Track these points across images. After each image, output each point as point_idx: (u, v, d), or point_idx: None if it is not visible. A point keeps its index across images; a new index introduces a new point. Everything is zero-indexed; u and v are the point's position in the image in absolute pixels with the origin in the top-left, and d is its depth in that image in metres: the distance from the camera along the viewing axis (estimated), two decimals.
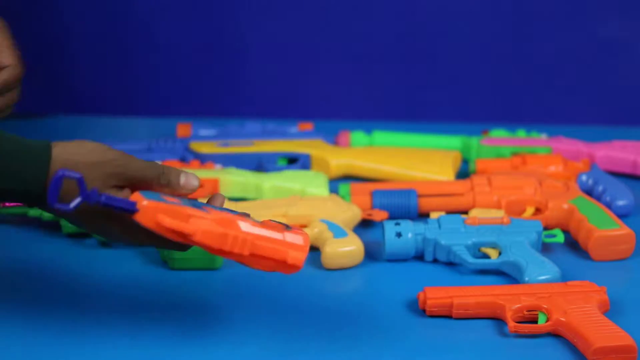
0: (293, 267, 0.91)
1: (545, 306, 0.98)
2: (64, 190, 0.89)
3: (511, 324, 0.97)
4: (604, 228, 1.16)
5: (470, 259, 1.11)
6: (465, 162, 1.47)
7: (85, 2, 1.77)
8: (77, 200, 0.87)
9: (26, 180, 0.89)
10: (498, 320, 1.00)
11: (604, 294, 1.01)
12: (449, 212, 1.20)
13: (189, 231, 0.88)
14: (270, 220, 0.95)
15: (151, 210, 0.87)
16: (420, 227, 1.14)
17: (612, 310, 1.01)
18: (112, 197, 0.87)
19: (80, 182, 0.86)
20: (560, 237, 1.17)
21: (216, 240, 0.89)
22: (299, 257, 0.91)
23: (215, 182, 1.28)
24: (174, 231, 0.88)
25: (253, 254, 0.90)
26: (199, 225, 0.88)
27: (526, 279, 1.07)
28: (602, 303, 1.00)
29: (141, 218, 0.87)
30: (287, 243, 0.91)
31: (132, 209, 0.87)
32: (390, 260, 1.14)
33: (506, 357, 0.95)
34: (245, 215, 0.93)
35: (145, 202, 0.87)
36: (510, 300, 0.99)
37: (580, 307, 0.98)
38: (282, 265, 0.91)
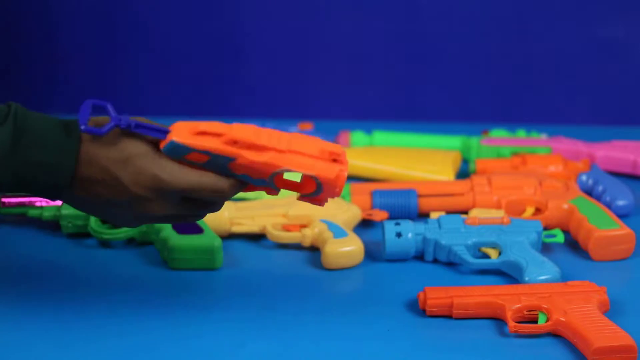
0: (329, 179, 0.92)
1: (545, 306, 0.98)
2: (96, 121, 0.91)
3: (511, 324, 0.97)
4: (604, 228, 1.16)
5: (470, 259, 1.11)
6: (465, 162, 1.47)
7: (86, 3, 1.77)
8: (110, 125, 0.89)
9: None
10: (498, 320, 1.00)
11: (604, 294, 1.01)
12: (449, 212, 1.20)
13: (223, 129, 0.90)
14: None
15: (183, 126, 0.90)
16: (420, 227, 1.14)
17: (612, 310, 1.01)
18: (143, 123, 0.90)
19: (110, 108, 0.90)
20: (560, 237, 1.17)
21: (251, 133, 0.90)
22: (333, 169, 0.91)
23: None
24: (208, 135, 0.90)
25: (291, 149, 0.91)
26: (233, 126, 0.91)
27: (526, 279, 1.07)
28: (602, 303, 1.00)
29: (176, 134, 0.89)
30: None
31: (165, 129, 0.90)
32: (390, 260, 1.14)
33: (506, 357, 0.95)
34: None
35: (177, 123, 0.90)
36: (510, 300, 0.99)
37: (580, 307, 0.98)
38: (321, 171, 0.91)
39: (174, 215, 0.94)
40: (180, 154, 0.91)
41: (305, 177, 0.94)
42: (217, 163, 0.91)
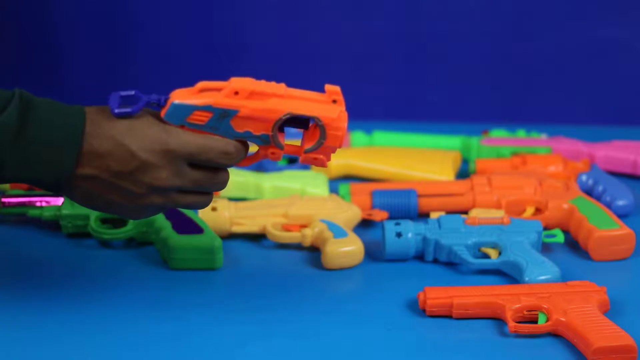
0: (331, 119, 0.93)
1: (545, 306, 0.98)
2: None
3: (511, 324, 0.97)
4: (604, 228, 1.16)
5: (470, 259, 1.11)
6: (465, 162, 1.47)
7: (85, 2, 1.77)
8: (140, 104, 0.92)
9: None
10: (498, 320, 1.00)
11: (604, 294, 1.01)
12: (449, 212, 1.20)
13: (222, 84, 0.93)
14: None
15: (182, 90, 0.93)
16: (420, 227, 1.14)
17: (612, 310, 1.01)
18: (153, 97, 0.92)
19: (138, 95, 0.92)
20: (560, 237, 1.17)
21: (249, 83, 0.93)
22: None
23: None
24: (208, 90, 0.92)
25: (290, 95, 0.94)
26: (232, 79, 0.93)
27: (526, 279, 1.07)
28: (602, 303, 1.00)
29: (176, 97, 0.91)
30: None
31: (165, 97, 0.92)
32: (390, 260, 1.14)
33: (506, 357, 0.95)
34: None
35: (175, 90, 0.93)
36: (510, 300, 0.99)
37: (580, 307, 0.98)
38: (322, 112, 0.93)
39: (181, 187, 0.93)
40: (182, 116, 0.92)
41: (307, 129, 0.95)
42: (219, 123, 0.92)
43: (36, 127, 0.90)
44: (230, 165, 0.95)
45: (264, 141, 0.94)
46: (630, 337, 0.93)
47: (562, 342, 0.97)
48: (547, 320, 0.98)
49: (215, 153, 0.93)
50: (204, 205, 0.97)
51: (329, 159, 0.96)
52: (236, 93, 0.92)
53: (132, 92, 0.92)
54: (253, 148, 0.96)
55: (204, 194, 0.96)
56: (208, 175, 0.95)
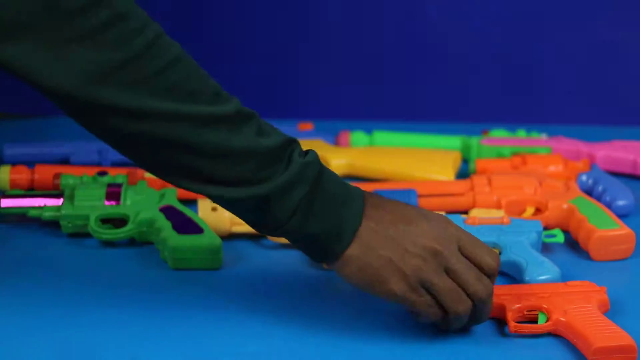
0: None
1: (545, 306, 0.98)
2: None
3: (511, 324, 0.97)
4: (604, 228, 1.16)
5: None
6: (465, 162, 1.47)
7: None
8: None
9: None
10: (498, 319, 1.00)
11: (604, 294, 1.01)
12: (449, 212, 1.20)
13: None
14: None
15: None
16: None
17: (612, 310, 1.01)
18: None
19: None
20: (560, 237, 1.17)
21: None
22: None
23: None
24: None
25: None
26: None
27: (526, 278, 1.07)
28: (602, 303, 1.00)
29: None
30: None
31: None
32: None
33: (506, 357, 0.95)
34: None
35: None
36: (510, 300, 0.99)
37: (580, 307, 0.98)
38: None
39: (439, 249, 0.91)
40: None
41: None
42: None
43: (329, 180, 0.91)
44: (484, 293, 0.93)
45: None
46: (630, 337, 0.93)
47: (562, 342, 0.97)
48: (547, 320, 0.98)
49: (486, 253, 0.93)
50: (460, 307, 0.92)
51: None
52: None
53: None
54: None
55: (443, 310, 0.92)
56: (477, 269, 0.92)
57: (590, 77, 1.74)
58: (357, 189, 0.93)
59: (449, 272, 0.91)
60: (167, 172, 0.89)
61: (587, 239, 1.16)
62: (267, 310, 1.02)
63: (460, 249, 0.92)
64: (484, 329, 0.99)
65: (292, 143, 0.91)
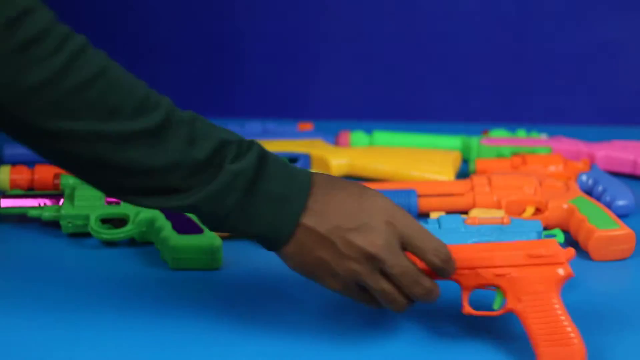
0: None
1: (501, 285, 0.93)
2: None
3: (465, 307, 0.94)
4: (604, 228, 1.16)
5: None
6: (465, 162, 1.47)
7: (85, 2, 1.77)
8: None
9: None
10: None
11: (568, 266, 0.93)
12: (449, 212, 1.20)
13: None
14: None
15: None
16: None
17: (612, 311, 1.01)
18: None
19: None
20: (560, 237, 1.17)
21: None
22: None
23: None
24: None
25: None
26: None
27: None
28: (565, 277, 0.93)
29: None
30: None
31: None
32: None
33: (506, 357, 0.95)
34: None
35: None
36: (466, 277, 0.94)
37: (536, 299, 0.92)
38: None
39: (386, 263, 0.89)
40: None
41: None
42: None
43: (268, 180, 0.88)
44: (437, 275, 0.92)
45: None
46: (582, 350, 0.90)
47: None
48: (504, 302, 0.93)
49: (431, 249, 0.90)
50: (395, 306, 0.91)
51: None
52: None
53: None
54: None
55: (400, 293, 0.91)
56: (415, 271, 0.90)
57: (590, 77, 1.74)
58: (305, 179, 0.90)
59: (385, 275, 0.90)
60: (99, 186, 0.89)
61: (587, 239, 1.16)
62: (267, 310, 1.02)
63: (404, 244, 0.90)
64: (489, 330, 0.98)
65: (226, 147, 0.88)
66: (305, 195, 0.90)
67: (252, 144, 0.90)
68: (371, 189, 0.92)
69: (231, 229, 0.90)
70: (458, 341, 0.97)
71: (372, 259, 0.89)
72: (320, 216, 0.89)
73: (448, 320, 1.00)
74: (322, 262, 0.90)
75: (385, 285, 0.90)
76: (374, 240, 0.89)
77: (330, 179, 0.92)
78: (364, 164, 1.40)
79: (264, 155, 0.90)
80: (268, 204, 0.89)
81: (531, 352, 0.93)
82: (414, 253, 0.91)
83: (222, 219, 0.89)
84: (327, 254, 0.89)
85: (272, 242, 0.91)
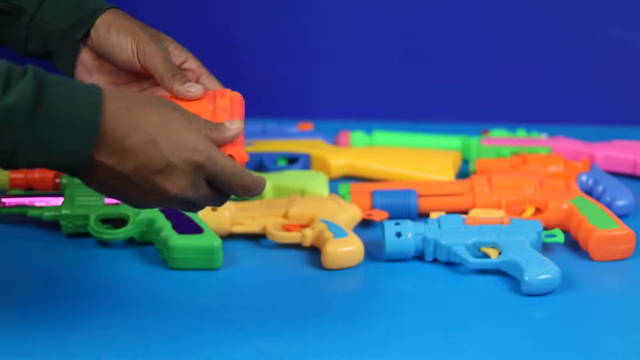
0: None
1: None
2: None
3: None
4: (604, 228, 1.16)
5: (470, 259, 1.11)
6: (465, 162, 1.47)
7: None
8: None
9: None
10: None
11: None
12: (449, 212, 1.20)
13: None
14: None
15: None
16: (420, 227, 1.14)
17: (612, 311, 1.01)
18: None
19: None
20: (560, 237, 1.17)
21: None
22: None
23: None
24: None
25: None
26: None
27: (526, 278, 1.07)
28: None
29: None
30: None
31: None
32: (390, 260, 1.14)
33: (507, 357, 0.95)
34: None
35: None
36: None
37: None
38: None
39: (191, 198, 0.89)
40: None
41: None
42: None
43: (51, 108, 0.83)
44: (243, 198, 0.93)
45: None
46: None
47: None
48: None
49: (240, 186, 0.90)
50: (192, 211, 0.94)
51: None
52: None
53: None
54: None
55: (197, 206, 0.93)
56: (217, 195, 0.92)
57: (590, 76, 1.74)
58: (94, 100, 0.85)
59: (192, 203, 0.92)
60: None
61: (587, 239, 1.16)
62: (267, 310, 1.02)
63: (212, 181, 0.90)
64: (494, 330, 0.98)
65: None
66: (95, 122, 0.84)
67: (26, 72, 0.83)
68: (176, 117, 0.89)
69: (29, 164, 0.85)
70: (458, 341, 0.97)
71: (178, 199, 0.89)
72: (119, 153, 0.86)
73: (447, 320, 1.00)
74: (128, 196, 0.89)
75: (193, 208, 0.92)
76: (180, 183, 0.88)
77: (129, 98, 0.88)
78: (364, 164, 1.40)
79: (42, 80, 0.83)
80: (56, 133, 0.84)
81: (527, 354, 0.93)
82: (219, 187, 0.91)
83: (9, 155, 0.84)
84: (133, 191, 0.88)
85: (73, 174, 0.87)
